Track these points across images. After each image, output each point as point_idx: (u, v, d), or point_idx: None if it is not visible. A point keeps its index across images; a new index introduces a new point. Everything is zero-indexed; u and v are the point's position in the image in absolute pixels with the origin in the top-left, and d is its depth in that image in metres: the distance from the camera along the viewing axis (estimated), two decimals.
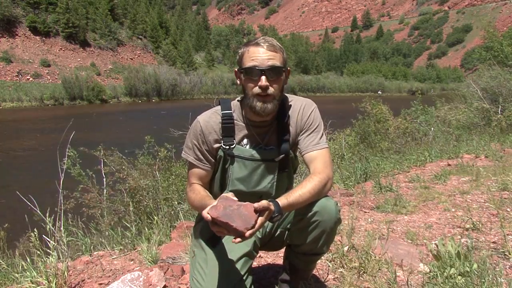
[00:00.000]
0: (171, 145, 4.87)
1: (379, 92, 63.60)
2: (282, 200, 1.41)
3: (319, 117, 1.65)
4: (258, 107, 1.51)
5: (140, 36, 72.30)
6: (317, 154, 1.59)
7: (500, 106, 8.57)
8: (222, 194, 1.40)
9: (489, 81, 9.54)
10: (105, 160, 4.44)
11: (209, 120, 1.61)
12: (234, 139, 1.60)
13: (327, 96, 68.50)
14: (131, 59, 65.55)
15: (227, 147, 1.59)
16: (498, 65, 11.11)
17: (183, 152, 1.67)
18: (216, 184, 1.68)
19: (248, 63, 1.50)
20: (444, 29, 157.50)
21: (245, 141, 1.62)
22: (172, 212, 3.83)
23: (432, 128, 8.08)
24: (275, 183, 1.64)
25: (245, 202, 1.35)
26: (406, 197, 3.67)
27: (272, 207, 1.37)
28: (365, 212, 3.35)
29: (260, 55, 1.49)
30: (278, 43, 1.55)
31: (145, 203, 4.14)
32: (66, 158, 3.88)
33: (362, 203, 3.60)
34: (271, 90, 1.50)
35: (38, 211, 2.78)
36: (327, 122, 6.60)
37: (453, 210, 3.23)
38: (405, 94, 71.57)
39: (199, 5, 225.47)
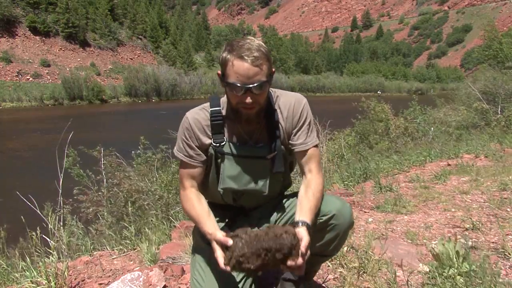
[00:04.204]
0: (169, 145, 4.87)
1: (378, 92, 63.52)
2: (309, 219, 1.42)
3: (310, 112, 1.63)
4: (243, 113, 1.50)
5: (140, 36, 72.26)
6: (310, 153, 1.59)
7: (499, 107, 8.59)
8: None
9: (487, 84, 9.57)
10: (104, 161, 4.44)
11: (197, 116, 1.58)
12: (224, 136, 1.58)
13: (327, 96, 68.45)
14: (131, 59, 65.50)
15: (217, 144, 1.56)
16: (498, 65, 11.13)
17: (175, 150, 1.64)
18: (212, 182, 1.64)
19: (231, 78, 1.42)
20: (444, 29, 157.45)
21: (234, 138, 1.59)
22: (172, 212, 3.84)
23: (432, 128, 8.10)
24: (268, 181, 1.61)
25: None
26: (406, 197, 3.67)
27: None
28: (365, 212, 3.35)
29: (245, 71, 1.40)
30: (263, 48, 1.44)
31: (144, 203, 4.15)
32: (65, 158, 3.89)
33: (362, 203, 3.60)
34: (255, 102, 1.46)
35: (38, 211, 2.78)
36: (326, 122, 6.61)
37: (453, 210, 3.23)
38: (405, 94, 71.58)
39: (199, 5, 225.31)
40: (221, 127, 1.57)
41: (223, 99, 1.60)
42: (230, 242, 1.32)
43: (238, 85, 1.41)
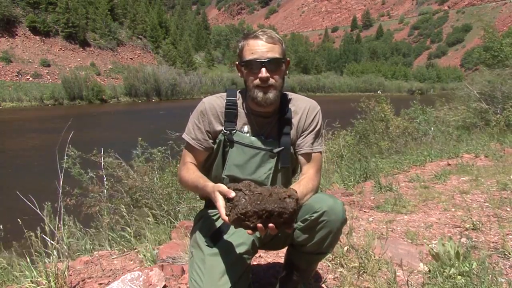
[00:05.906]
0: (168, 145, 4.86)
1: (378, 91, 63.42)
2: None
3: (321, 120, 1.71)
4: (260, 98, 1.56)
5: (140, 36, 72.25)
6: (313, 158, 1.65)
7: (498, 107, 8.59)
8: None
9: (483, 88, 9.58)
10: (104, 162, 4.44)
11: (213, 102, 1.66)
12: (236, 125, 1.64)
13: (327, 96, 68.37)
14: (131, 59, 65.49)
15: (228, 132, 1.63)
16: (497, 65, 11.10)
17: (184, 133, 1.69)
18: (217, 169, 1.68)
19: (248, 56, 1.54)
20: (444, 29, 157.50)
21: (245, 128, 1.65)
22: (172, 212, 3.83)
23: (432, 128, 8.09)
24: (271, 174, 1.64)
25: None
26: (406, 197, 3.67)
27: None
28: (365, 212, 3.35)
29: (260, 47, 1.53)
30: (276, 34, 1.58)
31: (144, 201, 4.14)
32: (65, 157, 3.89)
33: (362, 203, 3.60)
34: (272, 81, 1.54)
35: (38, 211, 2.78)
36: (324, 121, 6.60)
37: (453, 209, 3.23)
38: (405, 94, 71.51)
39: (199, 5, 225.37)
40: (234, 116, 1.64)
41: (240, 92, 1.70)
42: (232, 194, 1.31)
43: (253, 60, 1.52)
